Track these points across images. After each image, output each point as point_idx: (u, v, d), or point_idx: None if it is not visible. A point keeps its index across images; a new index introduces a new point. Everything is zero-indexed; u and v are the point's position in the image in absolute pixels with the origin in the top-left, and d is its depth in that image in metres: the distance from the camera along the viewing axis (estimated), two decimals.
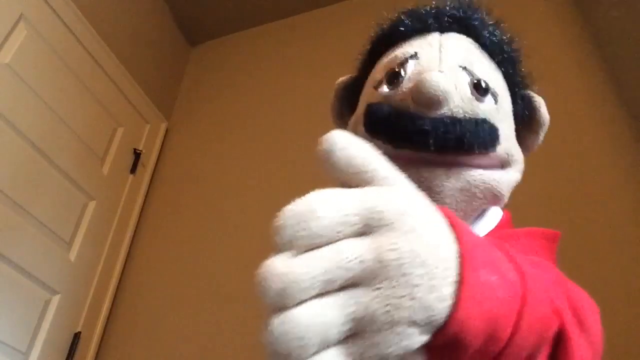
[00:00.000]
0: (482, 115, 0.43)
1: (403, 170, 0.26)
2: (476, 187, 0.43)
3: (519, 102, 0.49)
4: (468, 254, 0.23)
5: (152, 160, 2.12)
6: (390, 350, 0.21)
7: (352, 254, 0.22)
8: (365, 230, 0.22)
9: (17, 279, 1.42)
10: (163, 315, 1.67)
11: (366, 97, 0.50)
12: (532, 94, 0.52)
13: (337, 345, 0.22)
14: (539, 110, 0.51)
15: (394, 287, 0.21)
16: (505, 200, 0.48)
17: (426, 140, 0.40)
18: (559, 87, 1.58)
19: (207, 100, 2.30)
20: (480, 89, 0.43)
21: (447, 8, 0.49)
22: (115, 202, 1.88)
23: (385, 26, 0.53)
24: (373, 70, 0.51)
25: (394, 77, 0.45)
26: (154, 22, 2.29)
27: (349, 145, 0.24)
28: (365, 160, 0.24)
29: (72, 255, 1.63)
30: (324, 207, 0.23)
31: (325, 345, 0.21)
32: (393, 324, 0.21)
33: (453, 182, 0.42)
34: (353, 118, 0.51)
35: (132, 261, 1.87)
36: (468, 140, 0.41)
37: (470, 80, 0.44)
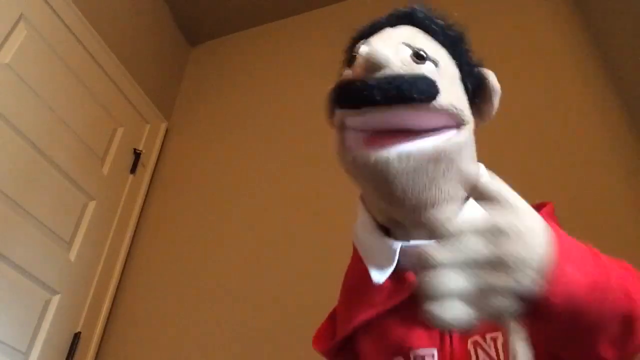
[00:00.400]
0: (419, 73, 0.49)
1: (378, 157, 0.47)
2: (425, 161, 0.48)
3: (470, 77, 0.56)
4: (561, 256, 0.35)
5: (152, 160, 2.12)
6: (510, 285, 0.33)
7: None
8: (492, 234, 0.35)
9: (17, 279, 1.42)
10: (163, 315, 1.67)
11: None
12: (482, 69, 0.58)
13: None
14: (489, 80, 0.57)
15: (511, 274, 0.34)
16: (461, 160, 0.52)
17: (373, 94, 0.46)
18: (558, 86, 1.58)
19: (207, 100, 2.30)
20: (419, 57, 0.51)
21: (397, 10, 0.59)
22: (115, 202, 1.88)
23: (355, 34, 0.62)
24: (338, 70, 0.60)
25: (351, 61, 0.54)
26: (154, 22, 2.29)
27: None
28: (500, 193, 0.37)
29: (72, 255, 1.63)
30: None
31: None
32: (510, 289, 0.33)
33: (404, 163, 0.48)
34: (336, 116, 0.56)
35: (132, 261, 1.87)
36: (407, 89, 0.46)
37: (411, 51, 0.51)
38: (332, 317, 0.66)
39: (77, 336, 1.59)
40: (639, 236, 1.23)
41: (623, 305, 0.37)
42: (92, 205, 1.75)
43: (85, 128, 1.76)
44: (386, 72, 0.47)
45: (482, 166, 0.60)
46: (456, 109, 0.50)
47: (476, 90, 0.56)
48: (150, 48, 2.24)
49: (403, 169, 0.47)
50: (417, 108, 0.48)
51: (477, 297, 0.33)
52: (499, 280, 0.33)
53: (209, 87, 2.36)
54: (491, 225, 0.35)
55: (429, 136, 0.49)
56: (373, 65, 0.47)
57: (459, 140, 0.51)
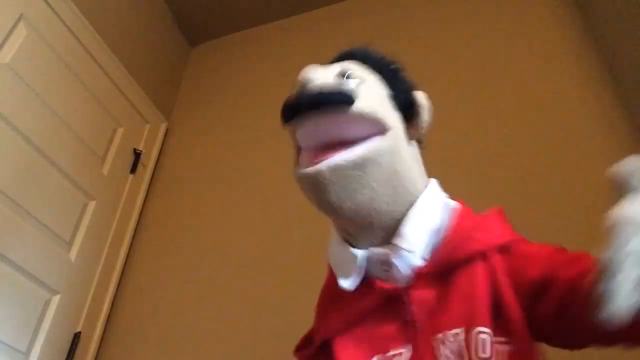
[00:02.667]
0: (337, 84, 0.58)
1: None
2: (351, 167, 0.54)
3: (403, 99, 0.63)
4: None
5: (152, 160, 2.12)
6: None
7: None
8: None
9: (17, 279, 1.42)
10: (163, 315, 1.67)
11: None
12: (412, 91, 0.65)
13: None
14: (416, 98, 0.64)
15: None
16: (392, 165, 0.57)
17: (300, 102, 0.55)
18: (558, 86, 1.58)
19: (207, 100, 2.30)
20: (342, 76, 0.59)
21: (343, 51, 0.67)
22: (115, 202, 1.88)
23: None
24: None
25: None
26: (154, 22, 2.29)
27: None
28: None
29: (72, 255, 1.63)
30: None
31: None
32: None
33: (333, 171, 0.53)
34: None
35: (132, 261, 1.87)
36: (326, 95, 0.54)
37: (338, 71, 0.60)
38: (311, 332, 0.70)
39: (77, 336, 1.59)
40: None
41: None
42: (92, 205, 1.75)
43: (85, 128, 1.76)
44: (311, 86, 0.56)
45: (434, 181, 0.65)
46: (376, 113, 0.56)
47: (409, 108, 0.63)
48: (150, 48, 2.24)
49: (332, 179, 0.53)
50: (341, 113, 0.54)
51: None
52: None
53: (209, 87, 2.36)
54: None
55: (357, 146, 0.55)
56: (302, 82, 0.56)
57: (382, 145, 0.56)
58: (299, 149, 0.61)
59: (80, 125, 1.73)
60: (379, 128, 0.56)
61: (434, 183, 0.64)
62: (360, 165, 0.54)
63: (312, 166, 0.55)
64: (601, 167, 1.43)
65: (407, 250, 0.56)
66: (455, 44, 1.86)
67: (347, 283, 0.59)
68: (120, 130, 1.97)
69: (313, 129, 0.56)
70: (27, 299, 1.45)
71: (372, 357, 0.56)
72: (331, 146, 0.55)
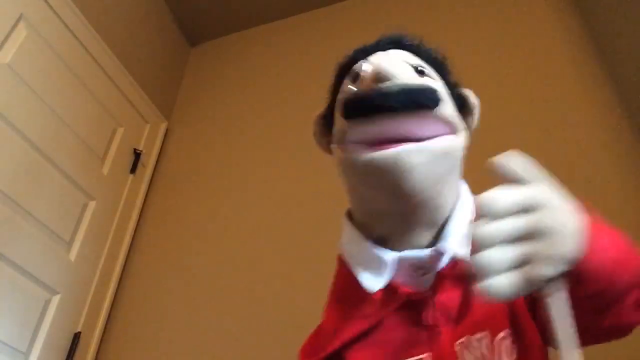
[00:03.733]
0: (424, 83, 0.54)
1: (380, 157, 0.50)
2: (433, 156, 0.51)
3: (453, 95, 0.60)
4: (593, 228, 0.40)
5: (152, 160, 2.12)
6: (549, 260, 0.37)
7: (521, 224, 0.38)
8: (528, 209, 0.38)
9: (17, 279, 1.42)
10: (163, 315, 1.67)
11: (339, 103, 0.59)
12: (462, 88, 0.63)
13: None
14: (469, 98, 0.62)
15: (548, 242, 0.37)
16: (458, 164, 0.57)
17: (387, 100, 0.50)
18: (557, 86, 1.58)
19: (207, 100, 2.30)
20: (420, 72, 0.56)
21: (384, 37, 0.63)
22: (115, 202, 1.88)
23: (342, 61, 0.64)
24: (340, 89, 0.62)
25: (355, 77, 0.57)
26: (154, 22, 2.29)
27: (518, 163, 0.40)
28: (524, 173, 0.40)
29: (72, 255, 1.63)
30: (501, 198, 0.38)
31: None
32: (550, 256, 0.37)
33: (416, 157, 0.50)
34: (333, 137, 0.60)
35: (132, 261, 1.87)
36: (417, 96, 0.51)
37: (411, 67, 0.56)
38: (318, 332, 0.66)
39: (77, 336, 1.59)
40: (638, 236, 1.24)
41: None
42: (92, 205, 1.75)
43: (85, 128, 1.76)
44: (395, 82, 0.51)
45: (464, 184, 0.63)
46: (454, 117, 0.55)
47: (459, 106, 0.61)
48: (150, 48, 2.24)
49: (415, 163, 0.50)
50: (423, 116, 0.51)
51: (523, 267, 0.37)
52: (541, 248, 0.37)
53: (209, 87, 2.36)
54: (526, 200, 0.38)
55: (432, 139, 0.52)
56: (382, 77, 0.51)
57: (459, 142, 0.55)
58: (342, 139, 0.57)
59: (80, 125, 1.73)
60: (452, 130, 0.55)
61: (464, 184, 0.62)
62: (445, 154, 0.52)
63: (382, 151, 0.50)
64: (601, 167, 1.44)
65: (451, 254, 0.53)
66: (455, 44, 1.86)
67: (374, 286, 0.55)
68: (120, 130, 1.97)
69: (388, 125, 0.51)
70: (27, 299, 1.45)
71: None
72: (395, 141, 0.51)
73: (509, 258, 0.37)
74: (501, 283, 0.36)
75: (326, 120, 0.66)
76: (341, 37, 2.09)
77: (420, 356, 0.53)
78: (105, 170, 1.85)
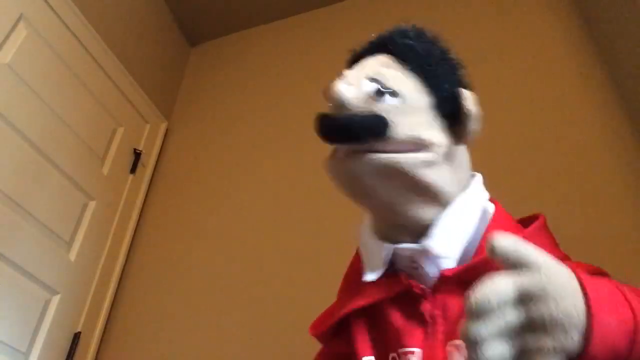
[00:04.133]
0: (377, 112, 0.55)
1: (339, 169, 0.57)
2: (385, 165, 0.54)
3: (448, 102, 0.58)
4: (595, 307, 0.36)
5: (152, 160, 2.12)
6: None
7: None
8: (524, 300, 0.37)
9: (17, 279, 1.42)
10: (163, 315, 1.67)
11: None
12: (462, 90, 0.59)
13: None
14: (464, 103, 0.58)
15: (549, 335, 0.36)
16: (427, 180, 0.56)
17: (334, 135, 0.55)
18: (557, 85, 1.58)
19: (207, 100, 2.30)
20: (379, 93, 0.55)
21: (379, 37, 0.63)
22: (115, 202, 1.88)
23: (347, 60, 0.66)
24: None
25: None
26: (154, 22, 2.29)
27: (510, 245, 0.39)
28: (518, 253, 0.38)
29: (72, 255, 1.63)
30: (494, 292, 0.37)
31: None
32: (552, 349, 0.35)
33: (367, 167, 0.54)
34: None
35: (132, 261, 1.87)
36: (355, 129, 0.53)
37: (373, 87, 0.56)
38: (327, 309, 0.71)
39: (77, 336, 1.59)
40: (638, 236, 1.24)
41: None
42: (92, 205, 1.75)
43: (85, 128, 1.76)
44: (344, 111, 0.55)
45: (479, 176, 0.63)
46: (413, 136, 0.55)
47: (455, 113, 0.58)
48: (150, 48, 2.24)
49: (367, 170, 0.54)
50: (377, 140, 0.54)
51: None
52: (540, 342, 0.35)
53: (209, 87, 2.36)
54: (522, 292, 0.36)
55: (396, 154, 0.55)
56: (336, 104, 0.55)
57: (415, 157, 0.54)
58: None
59: (80, 125, 1.73)
60: (418, 146, 0.55)
61: (476, 182, 0.62)
62: (392, 168, 0.54)
63: (346, 159, 0.56)
64: (601, 167, 1.44)
65: (433, 253, 0.55)
66: (455, 43, 1.85)
67: (371, 276, 0.59)
68: (120, 130, 1.97)
69: (349, 146, 0.56)
70: (27, 299, 1.45)
71: (393, 352, 0.56)
72: (368, 150, 0.55)
73: (504, 355, 0.36)
74: None
75: None
76: (341, 37, 2.09)
77: (413, 349, 0.55)
78: (105, 170, 1.85)
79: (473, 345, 0.36)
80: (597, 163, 1.40)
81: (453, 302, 0.54)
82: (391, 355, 0.57)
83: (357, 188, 0.56)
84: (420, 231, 0.57)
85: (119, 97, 1.98)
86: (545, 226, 0.60)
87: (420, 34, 0.61)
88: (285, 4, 2.37)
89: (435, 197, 0.56)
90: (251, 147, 2.00)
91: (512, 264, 0.38)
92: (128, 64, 2.03)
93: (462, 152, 0.61)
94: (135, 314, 1.72)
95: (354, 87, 0.56)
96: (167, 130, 2.26)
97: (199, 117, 2.25)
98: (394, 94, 0.56)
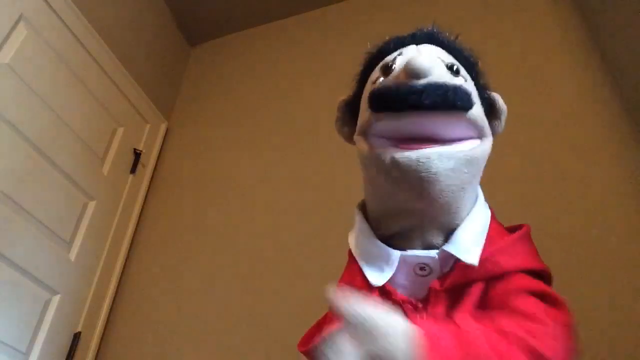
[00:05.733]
0: (458, 84, 0.52)
1: (404, 157, 0.50)
2: (462, 162, 0.51)
3: (482, 98, 0.59)
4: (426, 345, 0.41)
5: (152, 160, 2.12)
6: None
7: None
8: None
9: (17, 279, 1.42)
10: (163, 315, 1.67)
11: (367, 93, 0.58)
12: (491, 92, 0.62)
13: None
14: (497, 102, 0.62)
15: None
16: (482, 169, 0.56)
17: (420, 99, 0.48)
18: (557, 86, 1.58)
19: (207, 100, 2.30)
20: (452, 70, 0.54)
21: (420, 30, 0.61)
22: (115, 202, 1.88)
23: (373, 50, 0.63)
24: (369, 79, 0.61)
25: (387, 69, 0.56)
26: (153, 22, 2.29)
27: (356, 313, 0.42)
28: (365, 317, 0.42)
29: (72, 255, 1.63)
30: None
31: None
32: None
33: (445, 162, 0.50)
34: (357, 128, 0.59)
35: (132, 261, 1.87)
36: (452, 96, 0.49)
37: (444, 64, 0.55)
38: (319, 324, 0.68)
39: (77, 336, 1.59)
40: (638, 235, 1.23)
41: None
42: (92, 205, 1.75)
43: (85, 128, 1.76)
44: (430, 80, 0.49)
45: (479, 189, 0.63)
46: (484, 122, 0.55)
47: (487, 110, 0.60)
48: (150, 48, 2.24)
49: (444, 168, 0.50)
50: (454, 117, 0.51)
51: None
52: None
53: (209, 87, 2.36)
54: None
55: (458, 143, 0.52)
56: (417, 73, 0.49)
57: (485, 148, 0.55)
58: (366, 131, 0.56)
59: (80, 125, 1.73)
60: (479, 134, 0.54)
61: (480, 191, 0.62)
62: (469, 162, 0.52)
63: (411, 152, 0.50)
64: (601, 167, 1.43)
65: (463, 261, 0.54)
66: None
67: (378, 281, 0.57)
68: (120, 130, 1.97)
69: (418, 123, 0.51)
70: (27, 299, 1.45)
71: None
72: (421, 139, 0.51)
73: None
74: None
75: (350, 108, 0.64)
76: (341, 37, 2.09)
77: None
78: (105, 170, 1.85)
79: None
80: (596, 162, 1.40)
81: (442, 314, 0.55)
82: None
83: (428, 187, 0.50)
84: (444, 235, 0.56)
85: (119, 97, 1.98)
86: (527, 235, 0.60)
87: (455, 38, 0.62)
88: (285, 4, 2.37)
89: (474, 196, 0.57)
90: (251, 146, 2.00)
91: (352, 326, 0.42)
92: (128, 64, 2.03)
93: None
94: (135, 314, 1.72)
95: (437, 67, 0.52)
96: (167, 130, 2.26)
97: (199, 117, 2.25)
98: (462, 76, 0.56)
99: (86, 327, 1.64)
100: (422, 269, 0.56)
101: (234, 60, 2.40)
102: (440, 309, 0.55)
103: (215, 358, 1.51)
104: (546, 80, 1.62)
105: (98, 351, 1.66)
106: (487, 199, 0.64)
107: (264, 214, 1.77)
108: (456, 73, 0.54)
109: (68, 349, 1.56)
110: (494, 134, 0.61)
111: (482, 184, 0.63)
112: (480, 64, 0.61)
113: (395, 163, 0.51)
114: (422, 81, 0.49)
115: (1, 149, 1.41)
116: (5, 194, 1.40)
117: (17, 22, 1.52)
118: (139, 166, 2.02)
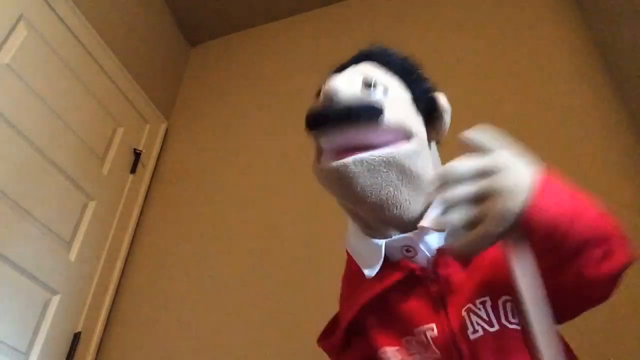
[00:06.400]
0: (371, 100, 0.59)
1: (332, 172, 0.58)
2: (378, 163, 0.57)
3: (423, 101, 0.65)
4: (541, 186, 0.44)
5: (152, 160, 2.12)
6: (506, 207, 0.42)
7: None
8: (486, 174, 0.44)
9: (17, 279, 1.42)
10: (163, 315, 1.67)
11: None
12: (435, 92, 0.67)
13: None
14: (438, 101, 0.66)
15: (498, 201, 0.43)
16: (419, 166, 0.60)
17: (327, 119, 0.58)
18: (557, 86, 1.58)
19: (207, 100, 2.30)
20: (368, 85, 0.61)
21: (362, 50, 0.68)
22: (115, 202, 1.88)
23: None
24: None
25: (319, 93, 0.66)
26: (154, 22, 2.29)
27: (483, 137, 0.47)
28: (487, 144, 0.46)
29: (72, 255, 1.63)
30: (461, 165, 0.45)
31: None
32: (497, 214, 0.42)
33: (359, 166, 0.57)
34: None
35: (132, 261, 1.87)
36: (354, 113, 0.57)
37: (363, 79, 0.61)
38: (335, 320, 0.72)
39: (77, 336, 1.59)
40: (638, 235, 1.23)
41: (599, 232, 0.48)
42: (92, 205, 1.75)
43: (85, 128, 1.76)
44: (338, 101, 0.58)
45: None
46: (403, 123, 0.59)
47: (430, 110, 0.66)
48: (150, 48, 2.24)
49: (359, 171, 0.56)
50: (370, 126, 0.57)
51: (478, 224, 0.43)
52: (491, 207, 0.42)
53: (209, 87, 2.36)
54: (486, 165, 0.44)
55: (384, 147, 0.58)
56: (329, 94, 0.58)
57: (407, 149, 0.58)
58: (319, 149, 0.64)
59: (80, 125, 1.73)
60: (405, 135, 0.59)
61: None
62: (386, 163, 0.57)
63: (334, 161, 0.58)
64: (601, 167, 1.43)
65: (433, 229, 0.57)
66: (455, 44, 1.86)
67: (370, 272, 0.61)
68: (120, 130, 1.97)
69: (340, 137, 0.59)
70: (27, 299, 1.45)
71: (406, 335, 0.59)
72: (357, 148, 0.58)
73: (464, 218, 0.43)
74: (459, 239, 0.43)
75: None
76: (341, 37, 2.09)
77: (429, 325, 0.58)
78: (105, 170, 1.85)
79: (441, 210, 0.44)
80: (596, 162, 1.40)
81: (455, 272, 0.59)
82: (404, 338, 0.60)
83: (352, 190, 0.57)
84: (406, 226, 0.60)
85: (119, 97, 1.98)
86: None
87: (394, 50, 0.69)
88: (285, 4, 2.37)
89: (423, 187, 0.60)
90: (251, 146, 2.01)
91: (484, 150, 0.46)
92: (128, 64, 2.03)
93: (435, 149, 0.67)
94: (135, 314, 1.72)
95: (346, 84, 0.60)
96: (167, 130, 2.26)
97: (199, 117, 2.25)
98: (383, 88, 0.61)
99: (86, 327, 1.64)
100: (407, 250, 0.60)
101: (234, 60, 2.40)
102: (452, 268, 0.59)
103: (216, 357, 1.51)
104: (546, 80, 1.62)
105: (98, 351, 1.66)
106: None
107: (264, 213, 1.77)
108: (371, 87, 0.61)
109: (68, 349, 1.56)
110: (439, 130, 0.67)
111: None
112: (418, 69, 0.67)
113: (322, 172, 0.60)
114: (335, 100, 0.58)
115: (1, 149, 1.41)
116: (5, 194, 1.40)
117: (17, 22, 1.52)
118: (139, 166, 2.02)
